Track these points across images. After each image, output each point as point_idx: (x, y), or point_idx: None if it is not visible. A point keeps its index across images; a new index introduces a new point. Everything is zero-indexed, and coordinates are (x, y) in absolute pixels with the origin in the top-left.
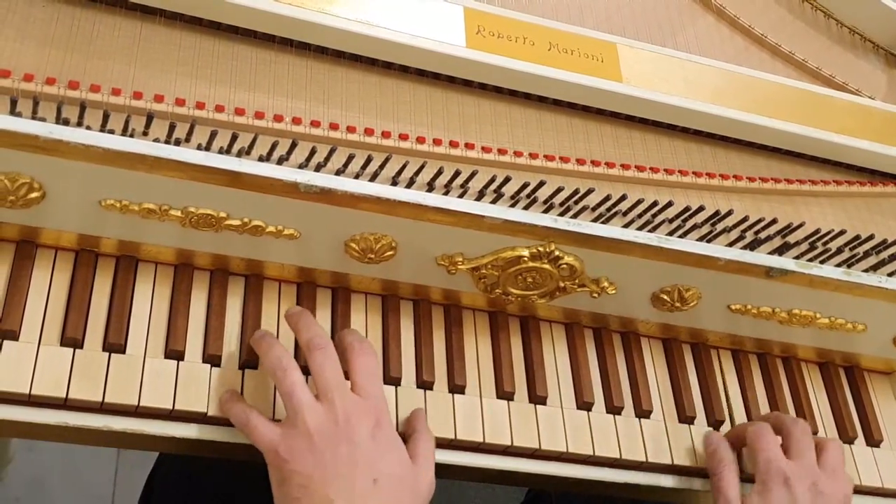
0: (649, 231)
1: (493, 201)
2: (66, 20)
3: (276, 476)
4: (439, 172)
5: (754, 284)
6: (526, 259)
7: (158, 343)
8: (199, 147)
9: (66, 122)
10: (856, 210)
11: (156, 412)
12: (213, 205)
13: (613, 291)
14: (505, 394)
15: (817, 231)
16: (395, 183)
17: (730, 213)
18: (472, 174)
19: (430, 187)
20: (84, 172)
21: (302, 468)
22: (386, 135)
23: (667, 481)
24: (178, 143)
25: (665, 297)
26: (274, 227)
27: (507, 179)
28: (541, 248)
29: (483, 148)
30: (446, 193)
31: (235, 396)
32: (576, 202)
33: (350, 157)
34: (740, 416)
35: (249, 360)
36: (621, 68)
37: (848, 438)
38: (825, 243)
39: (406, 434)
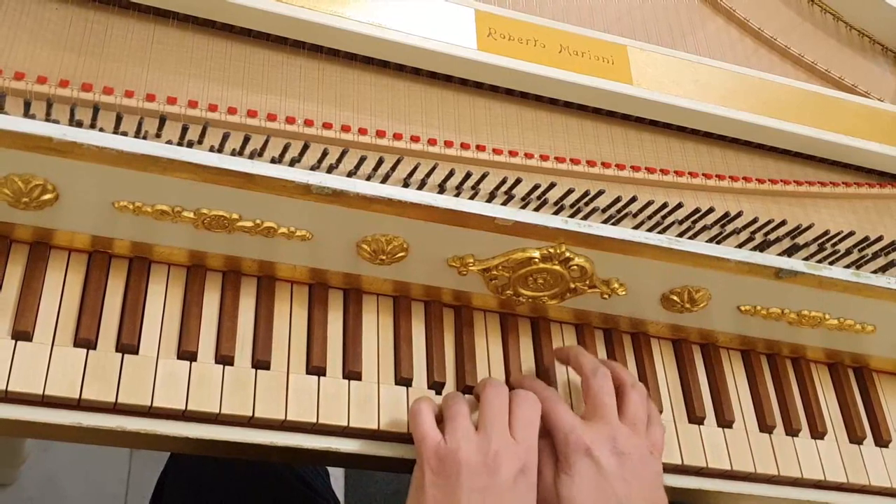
0: (659, 232)
1: (504, 203)
2: (79, 23)
3: (418, 478)
4: (450, 174)
5: (764, 286)
6: (537, 260)
7: (171, 344)
8: (211, 149)
9: (79, 124)
10: (865, 212)
11: (168, 413)
12: (226, 206)
13: (624, 293)
14: None
15: (826, 232)
16: (406, 185)
17: (739, 214)
18: (483, 176)
19: (441, 189)
20: (97, 174)
21: (443, 483)
22: (397, 137)
23: (674, 481)
24: (190, 144)
25: (675, 298)
26: (286, 229)
27: (517, 181)
28: (551, 250)
29: (494, 150)
30: (457, 195)
31: (426, 400)
32: (586, 204)
33: (362, 159)
34: (750, 417)
35: (262, 361)
36: (632, 70)
37: (857, 439)
38: (834, 245)
39: None
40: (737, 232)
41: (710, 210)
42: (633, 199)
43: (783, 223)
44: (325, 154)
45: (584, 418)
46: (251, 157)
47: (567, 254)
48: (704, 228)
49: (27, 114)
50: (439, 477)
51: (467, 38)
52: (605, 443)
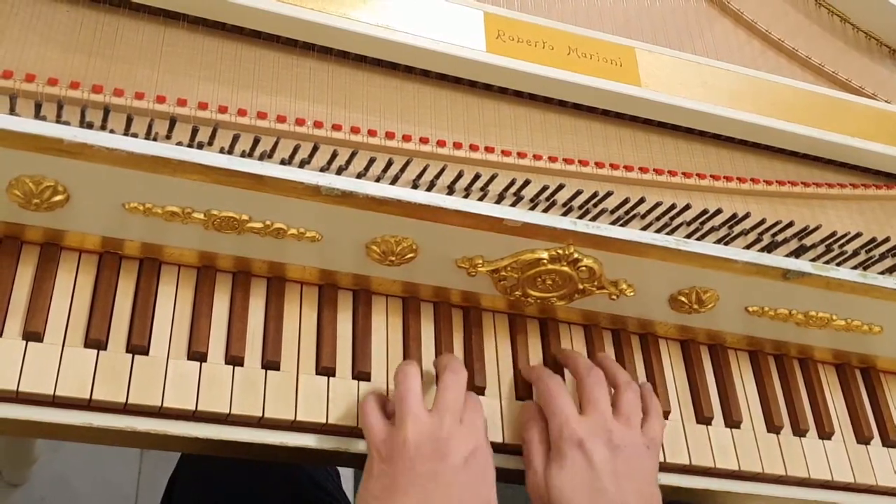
0: (668, 234)
1: (513, 204)
2: (89, 25)
3: (368, 467)
4: (459, 175)
5: (771, 287)
6: (545, 261)
7: (181, 345)
8: (221, 150)
9: (89, 126)
10: (872, 213)
11: (179, 413)
12: (236, 208)
13: (632, 293)
14: (524, 395)
15: (834, 234)
16: (415, 186)
17: (747, 215)
18: (492, 177)
19: (451, 190)
20: (108, 175)
21: (390, 471)
22: (406, 138)
23: (682, 481)
24: (200, 146)
25: (683, 299)
26: (296, 230)
27: (526, 182)
28: (560, 251)
29: (503, 151)
30: (466, 196)
31: (376, 393)
32: (594, 205)
33: (371, 161)
34: (757, 417)
35: (272, 361)
36: (640, 72)
37: (864, 439)
38: (841, 246)
39: None
40: (744, 233)
41: (718, 211)
42: (642, 201)
43: (790, 224)
44: (334, 155)
45: (580, 413)
46: (261, 158)
47: (575, 255)
48: (712, 230)
49: (38, 115)
50: (387, 464)
51: (476, 41)
52: (599, 436)
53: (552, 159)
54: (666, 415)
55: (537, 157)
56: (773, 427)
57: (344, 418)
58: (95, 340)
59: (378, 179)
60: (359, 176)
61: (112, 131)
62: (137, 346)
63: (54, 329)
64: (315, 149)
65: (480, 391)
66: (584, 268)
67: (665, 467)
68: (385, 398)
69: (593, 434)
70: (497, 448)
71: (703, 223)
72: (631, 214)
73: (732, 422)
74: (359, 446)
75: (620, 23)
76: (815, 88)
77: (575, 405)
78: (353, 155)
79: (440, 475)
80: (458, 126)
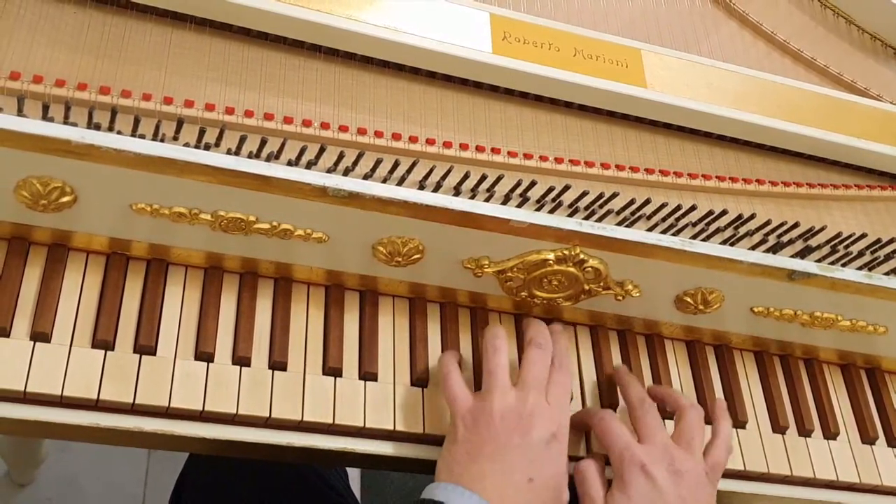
0: (673, 235)
1: (519, 205)
2: (96, 27)
3: (451, 434)
4: (466, 177)
5: (777, 287)
6: (551, 262)
7: (189, 345)
8: (228, 151)
9: (97, 127)
10: (877, 214)
11: (186, 413)
12: (243, 208)
13: (638, 294)
14: None
15: (839, 234)
16: (422, 187)
17: (752, 216)
18: (498, 178)
19: (457, 191)
20: (115, 176)
21: (475, 438)
22: (413, 139)
23: None
24: (207, 147)
25: (689, 299)
26: (303, 231)
27: (532, 184)
28: (566, 252)
29: (509, 153)
30: (472, 197)
31: (451, 353)
32: (600, 206)
33: (378, 162)
34: (763, 418)
35: (279, 362)
36: (645, 74)
37: (869, 439)
38: (847, 247)
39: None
40: (750, 234)
41: (724, 212)
42: (647, 202)
43: (796, 225)
44: (341, 157)
45: (638, 441)
46: (268, 159)
47: (581, 255)
48: (718, 230)
49: (46, 117)
50: (472, 432)
51: (482, 42)
52: (661, 460)
53: (558, 160)
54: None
55: (543, 158)
56: (778, 427)
57: (351, 418)
58: (103, 341)
59: (385, 180)
60: (365, 177)
61: (119, 132)
62: (145, 346)
63: (62, 329)
64: (322, 150)
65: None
66: (590, 268)
67: None
68: (457, 353)
69: (655, 459)
70: None
71: (708, 224)
72: (637, 215)
73: (738, 422)
74: (366, 446)
75: (626, 24)
76: (821, 90)
77: (633, 434)
78: (359, 156)
79: (522, 448)
80: (464, 127)
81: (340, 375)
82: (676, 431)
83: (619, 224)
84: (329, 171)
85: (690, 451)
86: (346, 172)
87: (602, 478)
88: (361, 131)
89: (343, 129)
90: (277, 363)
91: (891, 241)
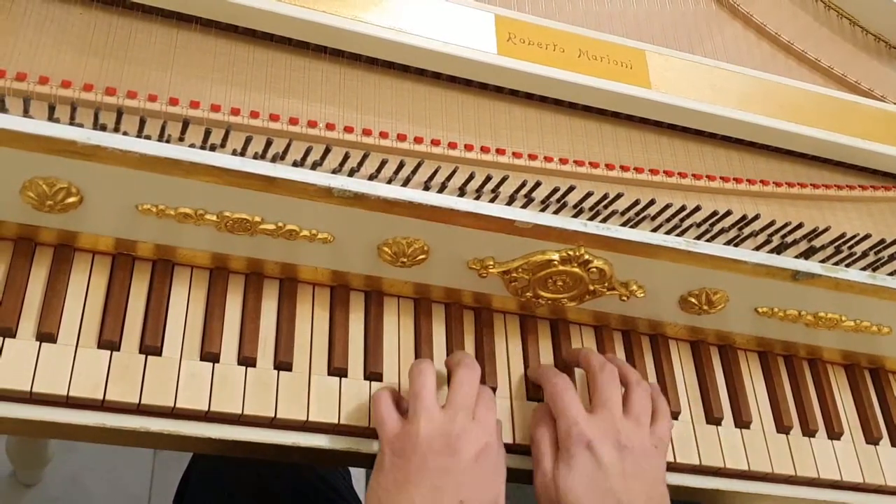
0: (677, 235)
1: (524, 206)
2: (102, 28)
3: (379, 461)
4: (471, 177)
5: (781, 288)
6: (556, 263)
7: (194, 345)
8: (234, 152)
9: (103, 128)
10: (881, 214)
11: (191, 413)
12: (248, 209)
13: (642, 295)
14: (536, 395)
15: (843, 235)
16: (426, 188)
17: (757, 217)
18: (503, 179)
19: (462, 192)
20: (121, 177)
21: (402, 465)
22: (418, 140)
23: (692, 481)
24: (213, 148)
25: (693, 300)
26: (308, 232)
27: (537, 184)
28: (571, 252)
29: (514, 153)
30: (477, 198)
31: (389, 388)
32: (605, 207)
33: (383, 163)
34: (767, 418)
35: (284, 362)
36: (650, 75)
37: (873, 439)
38: (850, 247)
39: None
40: (754, 234)
41: (728, 213)
42: (652, 202)
43: (800, 226)
44: (346, 157)
45: (590, 411)
46: (273, 160)
47: (586, 256)
48: (722, 231)
49: (51, 117)
50: (399, 458)
51: (487, 43)
52: (608, 436)
53: (563, 161)
54: (676, 415)
55: (548, 159)
56: (782, 427)
57: (356, 419)
58: (109, 341)
59: (390, 181)
60: (370, 178)
61: (125, 133)
62: (150, 346)
63: (68, 330)
64: (327, 151)
65: (492, 391)
66: (594, 269)
67: (675, 467)
68: (398, 394)
69: (602, 434)
70: (508, 448)
71: (713, 225)
72: (641, 216)
73: (742, 422)
74: (371, 447)
75: (631, 25)
76: (825, 90)
77: (583, 404)
78: (364, 157)
79: (451, 471)
80: (469, 128)
81: (346, 376)
82: (626, 406)
83: (623, 225)
84: (334, 171)
85: (639, 425)
86: (351, 173)
87: (553, 447)
88: (367, 132)
89: (348, 129)
90: (283, 363)
91: (894, 242)
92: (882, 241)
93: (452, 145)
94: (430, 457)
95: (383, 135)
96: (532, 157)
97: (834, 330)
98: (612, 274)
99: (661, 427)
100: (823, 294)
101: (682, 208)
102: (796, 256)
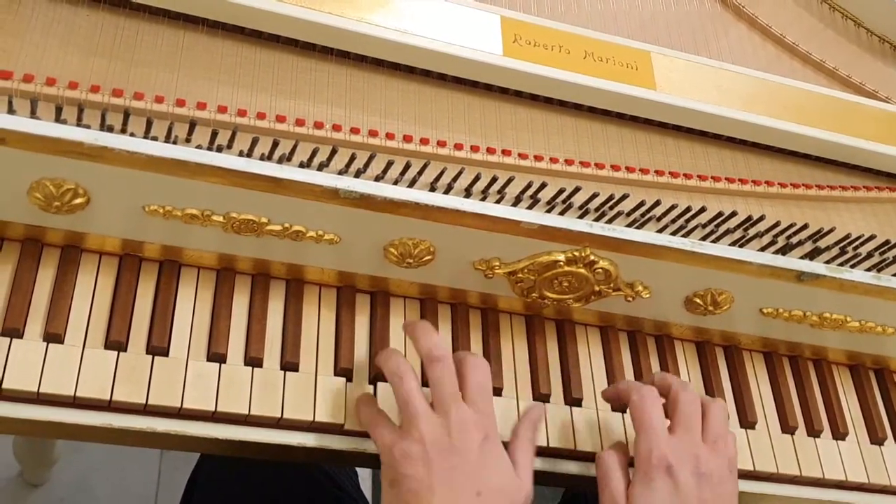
0: (683, 236)
1: (530, 207)
2: (109, 29)
3: (388, 476)
4: (476, 178)
5: (786, 288)
6: (562, 263)
7: (201, 346)
8: (240, 153)
9: (110, 129)
10: (885, 215)
11: (198, 414)
12: (255, 210)
13: (648, 295)
14: (541, 396)
15: (848, 236)
16: (433, 189)
17: (762, 218)
18: (509, 180)
19: (468, 193)
20: (128, 178)
21: (413, 473)
22: (424, 141)
23: None
24: (220, 149)
25: (698, 300)
26: (314, 232)
27: (543, 185)
28: (576, 253)
29: (520, 154)
30: (483, 199)
31: (369, 400)
32: (610, 207)
33: (389, 164)
34: (772, 418)
35: (291, 362)
36: (655, 76)
37: (878, 440)
38: (855, 248)
39: (509, 441)
40: (759, 235)
41: (733, 214)
42: (657, 203)
43: (805, 227)
44: (352, 158)
45: (670, 430)
46: (280, 161)
47: (592, 257)
48: (727, 232)
49: (59, 119)
50: (409, 469)
51: (493, 44)
52: (688, 462)
53: (568, 162)
54: None
55: (553, 160)
56: (787, 428)
57: None
58: (116, 342)
59: (396, 182)
60: (377, 179)
61: (132, 134)
62: (157, 347)
63: (75, 330)
64: (333, 152)
65: (498, 392)
66: (600, 270)
67: None
68: (373, 398)
69: (682, 459)
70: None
71: (718, 226)
72: (646, 217)
73: (747, 422)
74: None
75: (636, 27)
76: (829, 92)
77: (666, 423)
78: (370, 158)
79: (460, 468)
80: (475, 129)
81: (352, 377)
82: (704, 429)
83: (629, 226)
84: (341, 172)
85: (716, 451)
86: (357, 174)
87: (623, 470)
88: (373, 133)
89: (355, 131)
90: (289, 364)
91: None
92: (887, 241)
93: (458, 146)
94: (438, 460)
95: (389, 136)
96: (538, 158)
97: (839, 330)
98: (618, 275)
99: (732, 448)
100: (828, 295)
101: (688, 209)
102: (801, 257)
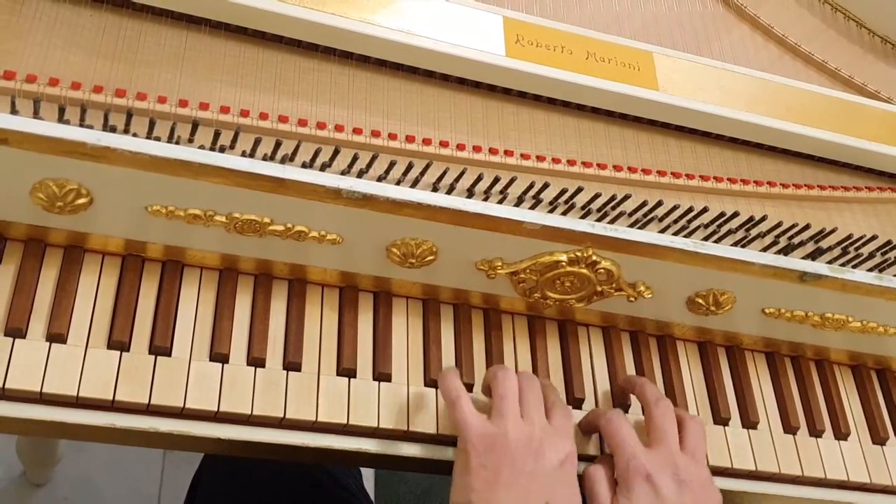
0: (685, 236)
1: (532, 207)
2: (112, 30)
3: (462, 462)
4: (479, 179)
5: (788, 289)
6: (564, 264)
7: (203, 346)
8: (243, 154)
9: (113, 130)
10: (887, 216)
11: (201, 414)
12: (258, 210)
13: (650, 295)
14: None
15: (850, 236)
16: (435, 189)
17: (764, 218)
18: (512, 180)
19: (470, 193)
20: (131, 179)
21: (492, 465)
22: (427, 142)
23: None
24: (222, 150)
25: (700, 301)
26: (317, 233)
27: (545, 186)
28: (579, 253)
29: (522, 155)
30: (486, 199)
31: (454, 373)
32: (613, 208)
33: (391, 164)
34: (774, 418)
35: (293, 362)
36: (657, 77)
37: (880, 440)
38: (857, 248)
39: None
40: (761, 236)
41: (735, 214)
42: (659, 204)
43: (807, 227)
44: (355, 159)
45: (647, 445)
46: (282, 161)
47: (594, 257)
48: (729, 232)
49: (62, 119)
50: (487, 458)
51: (496, 45)
52: (666, 469)
53: (570, 162)
54: None
55: (556, 161)
56: (789, 428)
57: (365, 419)
58: (118, 342)
59: (398, 183)
60: (379, 179)
61: (135, 135)
62: (160, 347)
63: (78, 331)
64: (336, 152)
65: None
66: (602, 270)
67: None
68: (458, 372)
69: (660, 468)
70: None
71: (720, 226)
72: (649, 217)
73: (749, 422)
74: (378, 447)
75: (638, 27)
76: (831, 92)
77: (639, 439)
78: (373, 158)
79: (537, 474)
80: (478, 129)
81: (354, 376)
82: (681, 440)
83: (631, 226)
84: (343, 173)
85: (695, 461)
86: (360, 174)
87: (610, 482)
88: (375, 133)
89: (357, 131)
90: (292, 364)
91: None
92: (889, 242)
93: (461, 147)
94: (519, 458)
95: (392, 136)
96: (540, 158)
97: (841, 331)
98: (620, 275)
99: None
100: (830, 295)
101: (690, 209)
102: (803, 258)
